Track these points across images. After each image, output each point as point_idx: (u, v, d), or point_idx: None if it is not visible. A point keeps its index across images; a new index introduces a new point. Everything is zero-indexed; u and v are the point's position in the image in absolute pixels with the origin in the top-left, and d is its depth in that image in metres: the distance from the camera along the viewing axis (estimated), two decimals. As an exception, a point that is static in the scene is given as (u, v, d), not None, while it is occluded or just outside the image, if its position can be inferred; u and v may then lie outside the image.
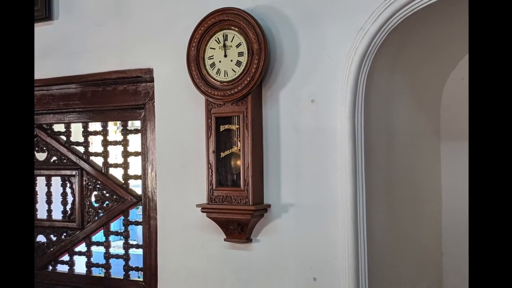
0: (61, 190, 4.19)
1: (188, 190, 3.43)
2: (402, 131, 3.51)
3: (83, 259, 4.16)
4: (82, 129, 4.11)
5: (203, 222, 3.32)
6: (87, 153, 4.10)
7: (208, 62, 3.21)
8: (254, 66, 3.08)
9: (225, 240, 3.27)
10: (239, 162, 3.17)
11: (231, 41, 3.16)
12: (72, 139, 4.16)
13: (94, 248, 4.14)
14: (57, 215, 4.27)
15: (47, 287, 4.16)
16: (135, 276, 4.12)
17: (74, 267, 4.19)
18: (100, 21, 3.78)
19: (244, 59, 3.11)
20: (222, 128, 3.22)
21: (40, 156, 4.25)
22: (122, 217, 4.00)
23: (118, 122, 4.19)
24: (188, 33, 3.26)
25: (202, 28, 3.22)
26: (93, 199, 4.08)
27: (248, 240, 3.23)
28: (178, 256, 3.50)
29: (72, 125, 4.16)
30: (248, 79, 3.08)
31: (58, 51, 3.93)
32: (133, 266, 3.94)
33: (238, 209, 3.14)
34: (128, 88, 3.74)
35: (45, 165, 4.22)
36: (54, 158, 4.20)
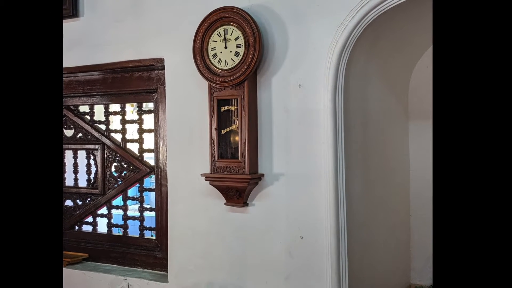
0: (86, 162, 4.19)
1: (194, 162, 3.43)
2: (376, 111, 3.52)
3: (105, 220, 4.18)
4: (104, 110, 4.11)
5: (207, 189, 3.33)
6: (108, 130, 4.11)
7: (211, 53, 3.20)
8: (250, 56, 3.07)
9: (225, 204, 3.29)
10: (237, 138, 3.18)
11: (231, 35, 3.15)
12: (95, 118, 4.16)
13: (114, 211, 4.16)
14: (82, 183, 4.28)
15: (74, 244, 4.19)
16: (149, 234, 4.15)
17: (97, 227, 4.22)
18: (119, 17, 3.76)
19: (241, 50, 3.10)
20: (223, 109, 3.21)
21: (68, 132, 4.25)
22: (137, 185, 4.00)
23: (134, 104, 4.17)
24: (194, 28, 3.25)
25: (205, 24, 3.20)
26: (113, 169, 4.09)
27: (245, 204, 3.25)
28: (185, 218, 3.52)
29: (95, 106, 4.15)
30: (245, 67, 3.08)
31: (83, 44, 3.90)
32: (147, 226, 3.97)
33: (237, 177, 3.15)
34: (143, 75, 3.73)
35: (72, 140, 4.22)
36: (80, 134, 4.20)
